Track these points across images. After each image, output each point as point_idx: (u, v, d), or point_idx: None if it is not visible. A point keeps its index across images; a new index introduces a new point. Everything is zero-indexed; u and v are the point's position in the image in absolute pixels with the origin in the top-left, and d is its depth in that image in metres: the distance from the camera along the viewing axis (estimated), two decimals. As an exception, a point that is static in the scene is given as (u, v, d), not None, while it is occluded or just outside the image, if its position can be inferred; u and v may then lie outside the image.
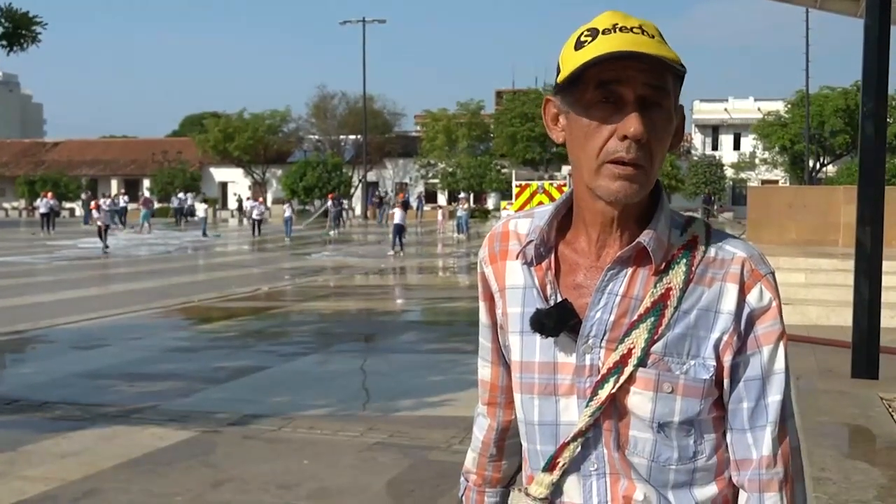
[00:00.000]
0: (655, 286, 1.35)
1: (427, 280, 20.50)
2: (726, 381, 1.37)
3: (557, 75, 1.36)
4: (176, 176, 59.18)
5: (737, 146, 61.17)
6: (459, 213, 36.97)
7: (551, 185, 26.76)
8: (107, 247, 26.68)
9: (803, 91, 48.21)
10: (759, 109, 56.54)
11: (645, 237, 1.35)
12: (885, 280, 8.34)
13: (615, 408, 1.35)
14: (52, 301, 14.74)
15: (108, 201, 33.58)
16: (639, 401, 1.34)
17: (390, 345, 10.90)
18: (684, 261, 1.36)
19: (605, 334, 1.36)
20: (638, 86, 1.29)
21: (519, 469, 1.59)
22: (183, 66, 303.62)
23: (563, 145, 1.41)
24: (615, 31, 1.30)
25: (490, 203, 58.02)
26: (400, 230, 25.91)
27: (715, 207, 55.01)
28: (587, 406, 1.35)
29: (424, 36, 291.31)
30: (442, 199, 58.70)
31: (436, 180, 58.64)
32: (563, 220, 1.44)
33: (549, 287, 1.41)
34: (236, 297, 15.44)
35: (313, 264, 22.83)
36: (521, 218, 1.50)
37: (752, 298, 1.36)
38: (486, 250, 1.52)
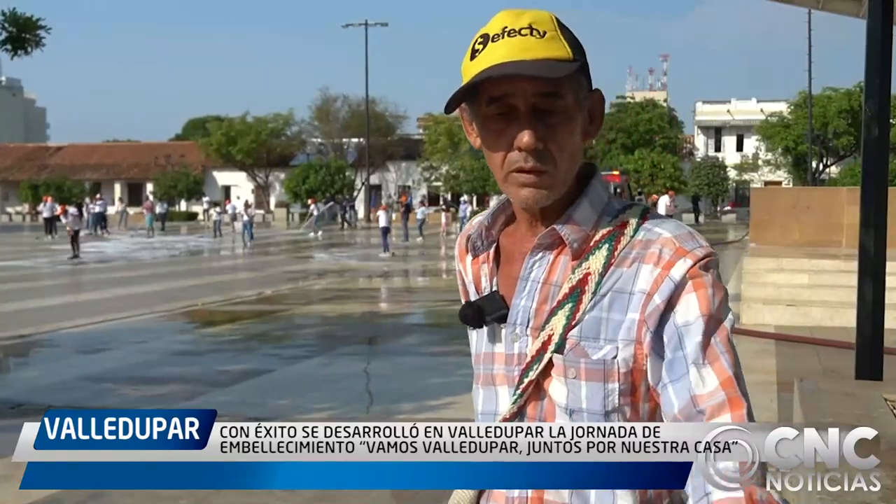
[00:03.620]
0: (574, 272, 1.34)
1: (431, 282, 20.49)
2: (649, 361, 1.28)
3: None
4: (179, 180, 59.20)
5: (739, 147, 61.12)
6: (466, 212, 37.24)
7: None
8: (76, 255, 24.45)
9: (806, 92, 48.13)
10: (761, 111, 56.48)
11: (559, 223, 1.35)
12: (889, 281, 8.32)
13: (539, 396, 1.34)
14: (56, 305, 14.77)
15: (73, 207, 31.89)
16: (556, 387, 1.33)
17: (393, 347, 10.90)
18: (606, 245, 1.33)
19: (529, 322, 1.36)
20: (528, 96, 1.28)
21: None
22: (185, 70, 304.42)
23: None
24: (504, 37, 1.28)
25: (492, 205, 57.99)
26: (385, 232, 25.98)
27: (718, 209, 54.95)
28: (513, 394, 1.35)
29: (426, 38, 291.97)
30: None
31: (439, 183, 58.64)
32: (513, 212, 1.46)
33: (483, 279, 1.44)
34: (239, 300, 15.46)
35: (315, 267, 22.83)
36: (480, 215, 1.53)
37: (675, 273, 1.27)
38: (457, 248, 1.56)
